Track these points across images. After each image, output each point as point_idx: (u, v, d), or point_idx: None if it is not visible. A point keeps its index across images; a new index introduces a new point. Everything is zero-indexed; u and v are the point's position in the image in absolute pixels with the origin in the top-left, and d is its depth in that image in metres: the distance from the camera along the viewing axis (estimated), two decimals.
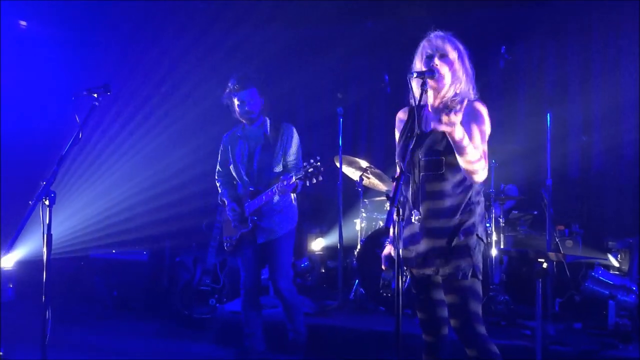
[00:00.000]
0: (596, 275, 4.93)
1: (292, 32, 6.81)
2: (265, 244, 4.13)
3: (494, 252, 5.16)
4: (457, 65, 2.66)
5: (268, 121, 4.19)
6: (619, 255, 5.37)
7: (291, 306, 4.16)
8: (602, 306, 4.62)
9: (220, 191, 4.35)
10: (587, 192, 6.18)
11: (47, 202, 2.73)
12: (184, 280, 5.65)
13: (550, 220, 4.73)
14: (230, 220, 4.19)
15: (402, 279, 2.27)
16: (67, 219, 6.48)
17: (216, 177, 4.39)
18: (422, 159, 2.65)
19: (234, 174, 4.25)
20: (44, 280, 2.74)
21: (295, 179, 3.79)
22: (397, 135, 2.89)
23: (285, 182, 3.82)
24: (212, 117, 6.89)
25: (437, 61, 2.63)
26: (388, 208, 2.28)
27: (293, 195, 4.21)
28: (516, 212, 5.77)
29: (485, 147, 2.61)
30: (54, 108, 6.54)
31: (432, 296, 2.73)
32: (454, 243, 2.60)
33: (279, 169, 4.08)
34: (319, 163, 3.72)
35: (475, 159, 2.47)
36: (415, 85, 2.63)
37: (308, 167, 3.73)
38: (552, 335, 4.25)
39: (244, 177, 4.17)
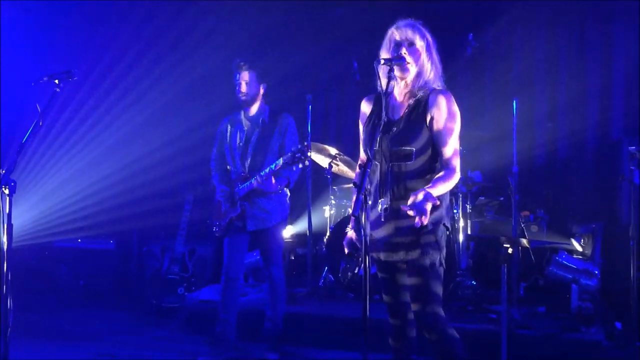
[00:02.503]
0: (560, 260, 5.04)
1: (261, 18, 6.75)
2: (257, 233, 4.16)
3: (460, 237, 5.22)
4: (425, 54, 2.68)
5: (268, 109, 4.26)
6: (582, 240, 5.49)
7: (278, 295, 4.23)
8: (566, 290, 4.72)
9: (212, 174, 4.39)
10: (552, 179, 6.27)
11: (6, 191, 2.66)
12: (153, 269, 5.61)
13: (516, 206, 4.80)
14: (220, 204, 4.21)
15: (365, 264, 2.27)
16: (31, 207, 6.35)
17: (211, 160, 4.43)
18: (391, 148, 2.66)
19: (228, 157, 4.28)
20: (4, 270, 2.68)
21: (283, 164, 3.85)
22: (361, 123, 2.89)
23: (273, 166, 3.90)
24: (181, 103, 6.83)
25: (404, 50, 2.63)
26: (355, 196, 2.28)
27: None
28: (483, 198, 5.83)
29: (457, 144, 2.67)
30: (14, 95, 6.36)
31: (398, 280, 2.76)
32: (421, 232, 2.62)
33: (273, 157, 4.09)
34: (305, 147, 3.80)
35: (451, 183, 2.61)
36: (382, 72, 2.63)
37: (295, 151, 3.79)
38: (517, 319, 4.33)
39: (238, 162, 4.21)
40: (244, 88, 4.14)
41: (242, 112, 4.28)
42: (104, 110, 6.84)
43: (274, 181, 4.01)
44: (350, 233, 2.82)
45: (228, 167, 4.32)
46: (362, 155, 2.92)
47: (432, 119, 2.64)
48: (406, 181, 2.64)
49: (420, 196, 2.38)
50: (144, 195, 6.57)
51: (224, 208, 4.21)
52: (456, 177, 2.63)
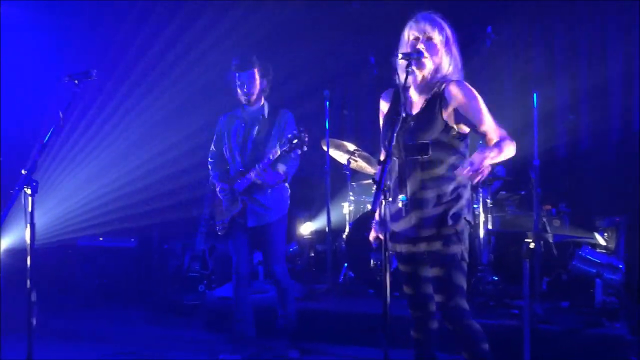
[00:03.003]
0: (583, 254, 4.96)
1: (277, 14, 6.74)
2: (257, 229, 4.12)
3: (481, 232, 5.18)
4: (443, 49, 2.64)
5: (267, 105, 4.21)
6: (605, 234, 5.41)
7: (285, 290, 4.19)
8: (589, 285, 4.66)
9: (211, 172, 4.35)
10: (574, 172, 6.20)
11: (28, 191, 2.69)
12: (173, 266, 5.64)
13: (538, 200, 4.75)
14: (222, 201, 4.20)
15: (385, 260, 2.26)
16: (54, 207, 6.43)
17: (209, 158, 4.39)
18: (409, 143, 2.64)
19: (227, 154, 4.25)
20: (28, 269, 2.71)
21: (280, 150, 3.83)
22: (381, 118, 2.88)
23: (271, 156, 3.87)
24: (202, 103, 6.84)
25: (422, 44, 2.61)
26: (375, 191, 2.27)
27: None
28: (504, 192, 5.78)
29: (491, 118, 2.66)
30: (36, 95, 6.44)
31: (419, 272, 2.75)
32: (442, 227, 2.61)
33: (272, 152, 4.07)
34: (302, 133, 3.75)
35: (506, 151, 2.58)
36: (400, 67, 2.61)
37: (292, 137, 3.76)
38: (540, 314, 4.28)
39: (237, 158, 4.17)
40: (247, 88, 4.08)
41: (242, 109, 4.22)
42: (124, 108, 6.89)
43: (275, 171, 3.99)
44: (375, 226, 2.82)
45: (227, 166, 4.27)
46: (383, 149, 2.91)
47: (455, 110, 2.61)
48: (423, 175, 2.63)
49: (477, 157, 2.42)
50: (164, 193, 6.62)
51: (225, 206, 4.18)
52: (510, 145, 2.62)
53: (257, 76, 4.08)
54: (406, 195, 2.62)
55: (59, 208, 6.46)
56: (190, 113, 6.80)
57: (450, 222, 2.61)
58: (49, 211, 6.31)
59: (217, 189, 4.22)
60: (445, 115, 2.62)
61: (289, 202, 4.26)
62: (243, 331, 4.21)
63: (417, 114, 2.68)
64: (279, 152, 3.85)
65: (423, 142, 2.61)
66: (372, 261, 4.89)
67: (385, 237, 2.27)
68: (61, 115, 2.84)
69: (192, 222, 5.81)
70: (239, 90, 4.13)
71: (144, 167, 6.67)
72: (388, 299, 2.26)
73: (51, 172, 6.53)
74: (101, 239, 6.41)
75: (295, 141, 3.76)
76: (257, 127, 4.14)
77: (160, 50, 6.88)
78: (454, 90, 2.62)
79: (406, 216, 2.64)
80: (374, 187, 2.32)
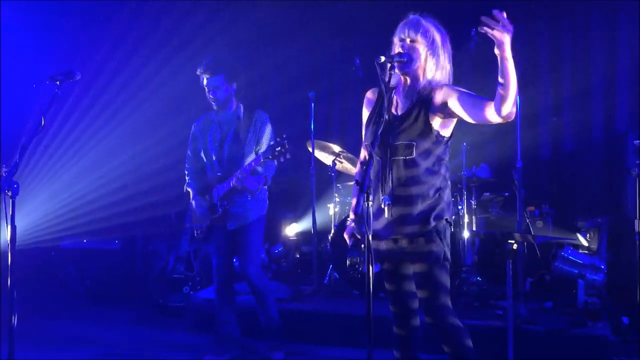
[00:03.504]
0: (566, 255, 5.02)
1: (262, 14, 6.73)
2: (236, 231, 4.10)
3: (466, 234, 5.21)
4: (427, 52, 2.64)
5: (242, 107, 4.16)
6: (588, 235, 5.47)
7: (260, 291, 4.14)
8: (572, 285, 4.71)
9: (187, 180, 4.31)
10: (557, 173, 6.26)
11: (9, 194, 2.66)
12: (158, 268, 5.61)
13: (521, 202, 4.78)
14: (198, 210, 4.17)
15: (368, 261, 2.27)
16: (36, 208, 6.37)
17: (186, 164, 4.35)
18: (393, 143, 2.65)
19: (204, 158, 4.20)
20: (9, 272, 2.69)
21: (263, 159, 3.80)
22: (364, 115, 2.89)
23: (253, 163, 3.84)
24: (184, 103, 6.81)
25: (406, 47, 2.61)
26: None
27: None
28: (488, 194, 5.82)
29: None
30: (16, 96, 6.37)
31: (401, 270, 2.77)
32: (424, 227, 2.62)
33: (250, 155, 4.05)
34: (285, 141, 3.71)
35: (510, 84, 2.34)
36: (383, 69, 2.62)
37: (275, 145, 3.72)
38: (523, 315, 4.31)
39: (214, 162, 4.13)
40: (214, 94, 4.03)
41: (216, 112, 4.18)
42: (107, 109, 6.85)
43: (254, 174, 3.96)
44: (351, 227, 2.83)
45: (205, 169, 4.22)
46: (363, 152, 2.92)
47: (444, 104, 2.59)
48: (406, 175, 2.64)
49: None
50: (149, 194, 6.58)
51: (202, 212, 4.15)
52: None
53: (222, 81, 4.01)
54: (388, 196, 2.63)
55: (42, 210, 6.40)
56: (174, 115, 6.77)
57: (432, 223, 2.63)
58: (31, 213, 6.25)
59: (193, 203, 4.18)
60: (431, 119, 2.63)
61: (267, 202, 4.24)
62: (228, 333, 4.20)
63: (402, 115, 2.69)
64: (262, 160, 3.82)
65: (407, 143, 2.62)
66: (347, 260, 4.88)
67: (367, 238, 2.28)
68: (43, 116, 2.81)
69: (177, 224, 5.78)
70: (206, 95, 4.09)
71: (128, 168, 6.64)
72: (371, 301, 2.26)
73: (34, 174, 6.47)
74: (85, 240, 6.36)
75: (278, 149, 3.72)
76: (233, 130, 4.10)
77: (144, 51, 6.84)
78: (442, 89, 2.62)
79: (387, 215, 2.65)
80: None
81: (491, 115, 2.43)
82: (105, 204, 6.58)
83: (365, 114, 2.88)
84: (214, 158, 4.14)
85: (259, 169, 3.98)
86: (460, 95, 2.56)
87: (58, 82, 2.90)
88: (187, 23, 6.85)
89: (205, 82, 4.04)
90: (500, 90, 2.35)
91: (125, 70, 6.86)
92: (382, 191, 2.67)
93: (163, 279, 5.49)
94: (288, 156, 3.74)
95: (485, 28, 2.26)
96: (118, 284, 6.14)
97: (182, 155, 4.94)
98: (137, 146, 6.75)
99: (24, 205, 6.06)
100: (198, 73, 4.05)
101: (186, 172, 4.34)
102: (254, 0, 6.52)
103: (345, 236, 2.82)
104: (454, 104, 2.56)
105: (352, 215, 2.82)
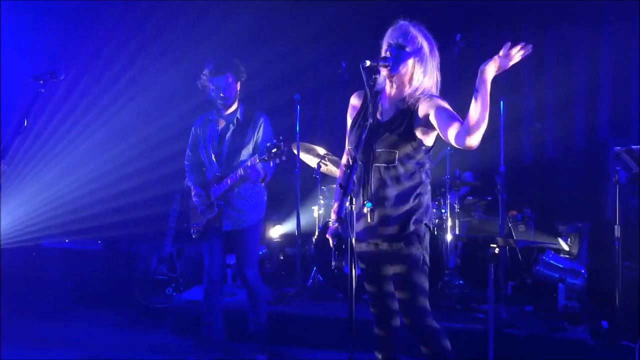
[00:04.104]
0: (547, 259, 5.08)
1: (250, 18, 6.72)
2: (232, 233, 4.11)
3: (449, 237, 5.24)
4: (414, 59, 2.66)
5: (242, 108, 4.19)
6: (568, 239, 5.54)
7: (256, 295, 4.17)
8: (553, 289, 4.76)
9: (187, 176, 4.33)
10: (540, 178, 6.32)
11: None
12: (140, 269, 5.57)
13: (503, 206, 4.83)
14: (197, 206, 4.17)
15: (351, 265, 2.28)
16: (17, 207, 6.30)
17: (185, 161, 4.36)
18: (376, 149, 2.67)
19: (203, 157, 4.23)
20: None
21: (259, 160, 3.80)
22: (349, 119, 2.90)
23: (249, 164, 3.84)
24: (168, 103, 6.79)
25: (392, 52, 2.63)
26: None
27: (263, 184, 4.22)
28: (471, 198, 5.87)
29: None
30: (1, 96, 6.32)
31: (381, 272, 2.79)
32: (403, 232, 2.65)
33: (248, 155, 4.05)
34: (281, 143, 3.74)
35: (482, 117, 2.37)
36: (368, 74, 2.63)
37: (271, 147, 3.75)
38: (504, 319, 4.36)
39: (213, 161, 4.15)
40: (224, 93, 4.04)
41: (216, 112, 4.20)
42: (91, 109, 6.80)
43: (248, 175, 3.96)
44: (333, 227, 2.83)
45: (204, 168, 4.26)
46: (346, 156, 2.93)
47: (427, 116, 2.61)
48: (388, 182, 2.66)
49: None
50: (132, 195, 6.54)
51: (200, 210, 4.16)
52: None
53: (231, 80, 4.05)
54: (371, 201, 2.65)
55: (23, 209, 6.34)
56: (158, 114, 6.75)
57: (412, 227, 2.66)
58: (12, 212, 6.19)
59: (193, 193, 4.19)
60: (414, 127, 2.65)
61: (265, 206, 4.26)
62: (211, 335, 4.19)
63: (387, 122, 2.70)
64: (258, 161, 3.82)
65: (390, 150, 2.64)
66: (333, 262, 4.89)
67: (350, 242, 2.29)
68: (25, 116, 2.79)
69: (160, 224, 5.76)
70: (213, 95, 4.10)
71: (111, 168, 6.59)
72: (353, 304, 2.28)
73: (16, 173, 6.40)
74: (67, 240, 6.31)
75: (274, 150, 3.74)
76: (231, 131, 4.12)
77: (128, 52, 6.81)
78: (427, 100, 2.64)
79: (370, 220, 2.67)
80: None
81: (457, 142, 2.47)
82: (88, 204, 6.54)
83: (350, 117, 2.90)
84: (212, 157, 4.16)
85: (258, 166, 3.98)
86: (440, 111, 2.57)
87: (41, 82, 2.89)
88: (173, 25, 6.83)
89: (213, 82, 4.05)
90: (473, 122, 2.37)
91: (110, 71, 6.83)
92: (363, 196, 2.68)
93: (145, 280, 5.47)
94: (284, 158, 3.78)
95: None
96: (100, 285, 6.09)
97: (165, 155, 4.97)
98: (120, 146, 6.71)
99: (6, 205, 5.99)
100: (205, 73, 4.06)
101: (186, 170, 4.35)
102: (241, 2, 6.51)
103: (328, 237, 2.84)
104: (434, 119, 2.59)
105: (333, 217, 2.84)
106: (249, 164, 3.86)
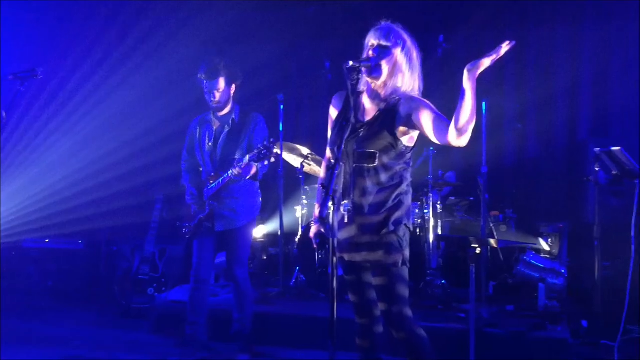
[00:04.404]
0: (527, 259, 5.12)
1: (233, 15, 6.71)
2: (224, 233, 4.13)
3: (431, 237, 5.27)
4: (398, 58, 2.66)
5: (238, 109, 4.21)
6: (549, 239, 5.59)
7: (244, 295, 4.18)
8: (533, 289, 4.80)
9: (183, 176, 4.34)
10: (521, 179, 6.38)
11: None
12: (122, 269, 5.53)
13: (485, 206, 4.86)
14: (190, 205, 4.19)
15: (332, 265, 2.28)
16: None
17: (182, 162, 4.37)
18: (357, 150, 2.67)
19: (198, 158, 4.25)
20: None
21: (249, 160, 3.82)
22: (330, 119, 2.90)
23: (241, 164, 3.85)
24: (152, 103, 6.75)
25: (371, 52, 2.64)
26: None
27: (257, 184, 4.25)
28: (453, 198, 5.90)
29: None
30: None
31: (363, 279, 2.79)
32: (384, 232, 2.65)
33: (241, 156, 4.05)
34: (271, 144, 3.76)
35: (472, 117, 2.40)
36: (350, 74, 2.63)
37: (261, 148, 3.77)
38: (485, 318, 4.39)
39: (208, 162, 4.17)
40: (217, 97, 4.07)
41: (212, 112, 4.23)
42: (71, 107, 6.75)
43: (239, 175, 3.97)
44: (315, 227, 2.84)
45: (200, 168, 4.29)
46: (328, 155, 2.93)
47: (409, 116, 2.62)
48: (368, 182, 2.66)
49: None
50: (114, 194, 6.50)
51: (193, 209, 4.19)
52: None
53: (223, 84, 4.06)
54: (349, 202, 2.65)
55: (3, 208, 6.26)
56: (141, 114, 6.70)
57: (391, 227, 2.66)
58: None
59: (186, 193, 4.22)
60: (395, 128, 2.66)
61: (259, 207, 4.29)
62: (194, 335, 4.17)
63: (369, 123, 2.70)
64: (247, 161, 3.83)
65: (371, 151, 2.65)
66: (317, 261, 4.94)
67: (332, 242, 2.29)
68: (4, 114, 2.76)
69: (142, 224, 5.72)
70: (207, 98, 4.13)
71: (92, 166, 6.55)
72: (335, 304, 2.28)
73: None
74: (47, 240, 6.24)
75: (263, 152, 3.76)
76: (226, 131, 4.15)
77: (107, 48, 6.76)
78: (409, 101, 2.65)
79: (349, 223, 2.68)
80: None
81: (445, 141, 2.49)
82: (69, 203, 6.48)
83: (333, 116, 2.90)
84: (206, 157, 4.18)
85: (259, 165, 3.98)
86: (425, 111, 2.58)
87: (21, 80, 2.85)
88: (157, 25, 6.78)
89: (205, 85, 4.08)
90: (460, 120, 2.40)
91: (93, 71, 6.77)
92: (344, 196, 2.69)
93: (127, 280, 5.43)
94: (272, 160, 3.81)
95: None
96: (81, 285, 6.05)
97: (148, 155, 4.93)
98: (102, 145, 6.66)
99: None
100: (199, 77, 4.09)
101: (182, 169, 4.36)
102: (225, 1, 6.49)
103: (311, 236, 2.84)
104: (417, 119, 2.60)
105: (315, 220, 2.84)
106: (241, 165, 3.86)
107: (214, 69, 4.04)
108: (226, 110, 4.19)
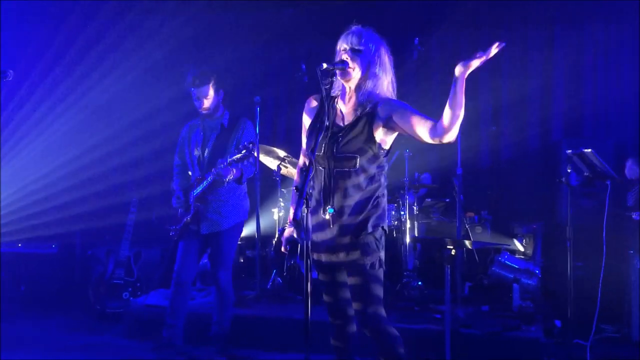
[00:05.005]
0: (502, 260, 5.18)
1: (209, 17, 6.68)
2: (210, 236, 4.14)
3: (407, 239, 5.29)
4: (371, 62, 2.68)
5: (227, 114, 4.25)
6: (524, 240, 5.65)
7: (225, 298, 4.20)
8: (508, 289, 4.85)
9: (173, 180, 4.36)
10: (496, 180, 6.44)
11: None
12: (96, 273, 5.47)
13: (461, 208, 4.90)
14: (176, 208, 4.22)
15: (307, 267, 2.28)
16: None
17: (174, 166, 4.40)
18: (337, 154, 2.68)
19: (188, 163, 4.28)
20: None
21: (230, 161, 3.85)
22: (305, 121, 2.90)
23: (222, 166, 3.88)
24: (127, 105, 6.69)
25: (345, 55, 2.65)
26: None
27: (245, 188, 4.29)
28: (429, 200, 5.94)
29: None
30: None
31: (337, 279, 2.80)
32: (362, 235, 2.67)
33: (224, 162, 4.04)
34: (250, 145, 3.79)
35: (460, 113, 2.45)
36: (325, 77, 2.64)
37: (242, 148, 3.79)
38: (461, 318, 4.42)
39: (196, 167, 4.20)
40: (206, 104, 4.12)
41: (201, 118, 4.26)
42: (44, 108, 6.65)
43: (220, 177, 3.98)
44: (289, 230, 2.85)
45: (189, 172, 4.30)
46: (302, 158, 2.94)
47: (388, 118, 2.64)
48: (348, 184, 2.67)
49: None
50: (88, 197, 6.42)
51: (179, 212, 4.21)
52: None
53: (211, 91, 4.12)
54: (333, 207, 2.66)
55: None
56: (115, 115, 6.64)
57: (370, 229, 2.68)
58: None
59: (173, 197, 4.24)
60: (374, 131, 2.67)
61: (246, 210, 4.31)
62: (171, 338, 4.15)
63: (347, 127, 2.71)
64: (228, 161, 3.85)
65: (350, 155, 2.66)
66: (286, 264, 4.95)
67: (306, 244, 2.29)
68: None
69: (117, 228, 5.66)
70: (195, 105, 4.17)
71: (66, 169, 6.46)
72: (309, 306, 2.28)
73: None
74: (20, 245, 6.13)
75: (243, 152, 3.78)
76: (215, 137, 4.18)
77: (83, 48, 6.68)
78: (387, 103, 2.67)
79: (329, 225, 2.69)
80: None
81: (434, 137, 2.52)
82: (42, 206, 6.38)
83: (306, 120, 2.90)
84: (195, 162, 4.21)
85: (239, 165, 4.00)
86: (405, 111, 2.61)
87: None
88: (132, 26, 6.72)
89: (194, 92, 4.12)
90: (449, 117, 2.44)
91: (66, 72, 6.68)
92: (325, 201, 2.69)
93: (102, 285, 5.37)
94: (252, 160, 3.89)
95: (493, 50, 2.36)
96: (55, 290, 5.96)
97: (123, 158, 4.87)
98: (76, 147, 6.57)
99: None
100: (186, 84, 4.13)
101: (174, 174, 4.38)
102: (201, 2, 6.46)
103: (283, 241, 2.84)
104: (399, 120, 2.62)
105: (289, 220, 2.85)
106: (221, 166, 3.89)
107: (201, 77, 4.09)
108: (215, 116, 4.23)
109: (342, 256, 2.70)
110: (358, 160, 2.65)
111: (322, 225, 2.71)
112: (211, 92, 4.12)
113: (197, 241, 4.17)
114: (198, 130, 4.27)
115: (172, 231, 4.22)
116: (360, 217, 2.68)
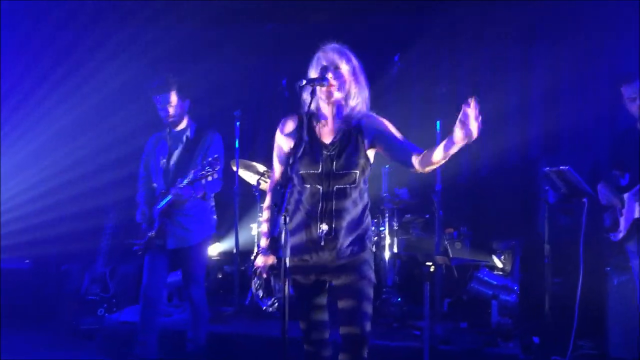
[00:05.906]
0: (481, 276, 5.18)
1: (189, 31, 6.67)
2: (178, 251, 4.06)
3: (387, 255, 5.28)
4: (350, 78, 2.70)
5: (193, 126, 4.18)
6: (502, 257, 5.67)
7: (199, 314, 4.12)
8: (487, 305, 4.86)
9: (137, 193, 4.28)
10: (475, 196, 6.47)
11: None
12: (71, 289, 5.37)
13: (440, 224, 4.91)
14: (140, 223, 4.13)
15: (284, 286, 2.25)
16: None
17: (139, 178, 4.31)
18: (336, 171, 2.66)
19: (153, 175, 4.19)
20: None
21: (188, 182, 3.76)
22: (279, 141, 2.85)
23: (180, 186, 3.80)
24: (103, 114, 6.62)
25: (330, 73, 2.64)
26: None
27: (212, 202, 4.21)
28: (409, 215, 5.94)
29: None
30: None
31: (317, 301, 2.78)
32: (359, 252, 2.69)
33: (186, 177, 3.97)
34: (215, 161, 3.69)
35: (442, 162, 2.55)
36: (305, 93, 2.64)
37: (205, 164, 3.71)
38: (440, 335, 4.41)
39: (161, 179, 4.11)
40: (170, 111, 4.05)
41: (167, 130, 4.19)
42: (19, 121, 6.56)
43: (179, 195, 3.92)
44: (264, 259, 2.77)
45: (154, 185, 4.21)
46: (277, 175, 2.90)
47: (373, 140, 2.68)
48: (347, 204, 2.67)
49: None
50: (63, 211, 6.32)
51: (144, 227, 4.12)
52: None
53: (174, 98, 4.04)
54: (331, 226, 2.63)
55: None
56: (93, 130, 6.56)
57: (365, 247, 2.72)
58: None
59: (137, 211, 4.16)
60: (367, 147, 2.70)
61: (214, 225, 4.23)
62: (143, 354, 4.07)
63: (338, 143, 2.70)
64: (191, 177, 3.75)
65: (350, 171, 2.66)
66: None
67: (284, 261, 2.27)
68: None
69: (92, 243, 5.57)
70: (160, 113, 4.09)
71: (42, 183, 6.36)
72: (286, 324, 2.26)
73: None
74: None
75: (207, 168, 3.69)
76: (179, 149, 4.11)
77: (61, 61, 6.62)
78: (370, 121, 2.70)
79: (325, 245, 2.66)
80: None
81: (412, 168, 2.59)
82: (16, 221, 6.26)
83: (281, 140, 2.84)
84: (159, 174, 4.12)
85: (202, 182, 3.88)
86: (391, 133, 2.67)
87: None
88: (113, 36, 6.68)
89: (158, 100, 4.05)
90: (432, 163, 2.51)
91: (41, 82, 6.61)
92: (322, 219, 2.65)
93: (76, 301, 5.27)
94: (216, 175, 3.73)
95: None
96: (28, 306, 5.83)
97: (99, 170, 4.78)
98: (53, 161, 6.48)
99: None
100: (150, 92, 4.06)
101: (138, 186, 4.29)
102: (182, 15, 6.44)
103: (263, 270, 2.78)
104: (384, 143, 2.67)
105: (264, 242, 2.79)
106: (180, 185, 3.81)
107: (164, 83, 4.02)
108: (181, 127, 4.16)
109: (343, 279, 2.68)
110: (357, 175, 2.67)
111: (313, 246, 2.68)
112: (174, 99, 4.03)
113: (163, 256, 4.08)
114: (163, 142, 4.18)
115: (136, 245, 4.13)
116: (355, 234, 2.70)
